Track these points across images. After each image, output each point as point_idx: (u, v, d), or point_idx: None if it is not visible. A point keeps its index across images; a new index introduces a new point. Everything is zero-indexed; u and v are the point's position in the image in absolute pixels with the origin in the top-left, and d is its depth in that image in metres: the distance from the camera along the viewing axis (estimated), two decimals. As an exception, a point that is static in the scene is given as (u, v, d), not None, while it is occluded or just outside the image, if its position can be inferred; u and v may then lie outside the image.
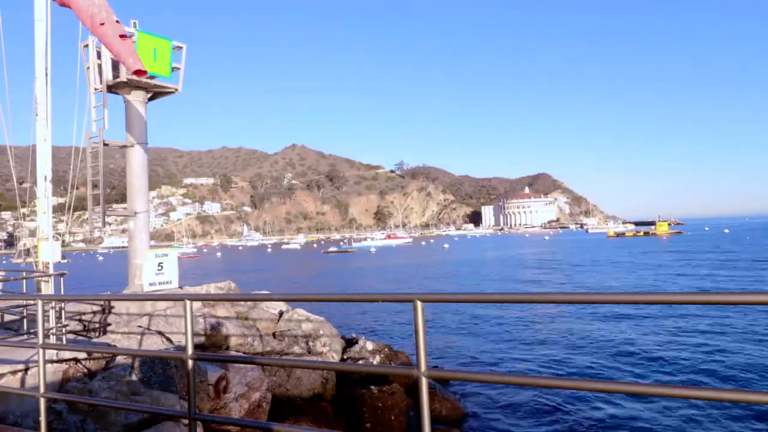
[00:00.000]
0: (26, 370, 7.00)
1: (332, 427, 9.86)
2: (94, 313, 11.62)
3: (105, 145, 13.04)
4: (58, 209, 13.26)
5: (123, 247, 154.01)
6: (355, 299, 3.59)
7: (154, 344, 10.59)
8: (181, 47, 14.17)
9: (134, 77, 6.75)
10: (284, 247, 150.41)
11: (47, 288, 9.55)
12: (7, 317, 10.87)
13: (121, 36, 6.67)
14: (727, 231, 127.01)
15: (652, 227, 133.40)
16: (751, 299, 2.28)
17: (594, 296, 2.72)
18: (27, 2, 9.74)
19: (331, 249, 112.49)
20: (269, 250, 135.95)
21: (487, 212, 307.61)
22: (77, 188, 13.91)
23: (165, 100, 14.92)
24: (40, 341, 4.80)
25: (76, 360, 7.97)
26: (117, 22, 6.83)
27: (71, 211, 14.51)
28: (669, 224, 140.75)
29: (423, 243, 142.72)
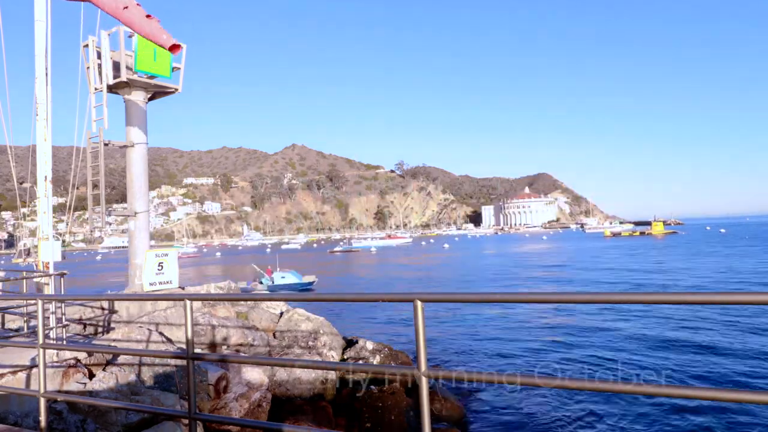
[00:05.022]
0: (27, 370, 7.00)
1: (332, 427, 9.85)
2: (95, 316, 11.63)
3: (105, 145, 13.04)
4: (58, 209, 13.29)
5: (123, 247, 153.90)
6: (355, 299, 3.59)
7: (154, 344, 10.59)
8: (181, 47, 14.17)
9: (172, 53, 6.63)
10: (284, 246, 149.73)
11: (47, 288, 9.55)
12: (8, 317, 10.88)
13: (147, 16, 6.60)
14: (723, 231, 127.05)
15: (649, 227, 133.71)
16: (751, 299, 2.28)
17: (593, 296, 2.72)
18: (27, 2, 9.74)
19: (337, 249, 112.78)
20: (268, 250, 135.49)
21: (487, 212, 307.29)
22: (77, 188, 13.92)
23: (165, 100, 14.97)
24: (41, 341, 4.80)
25: (77, 360, 7.97)
26: (137, 4, 6.77)
27: (71, 211, 14.52)
28: (667, 224, 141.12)
29: (423, 243, 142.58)
